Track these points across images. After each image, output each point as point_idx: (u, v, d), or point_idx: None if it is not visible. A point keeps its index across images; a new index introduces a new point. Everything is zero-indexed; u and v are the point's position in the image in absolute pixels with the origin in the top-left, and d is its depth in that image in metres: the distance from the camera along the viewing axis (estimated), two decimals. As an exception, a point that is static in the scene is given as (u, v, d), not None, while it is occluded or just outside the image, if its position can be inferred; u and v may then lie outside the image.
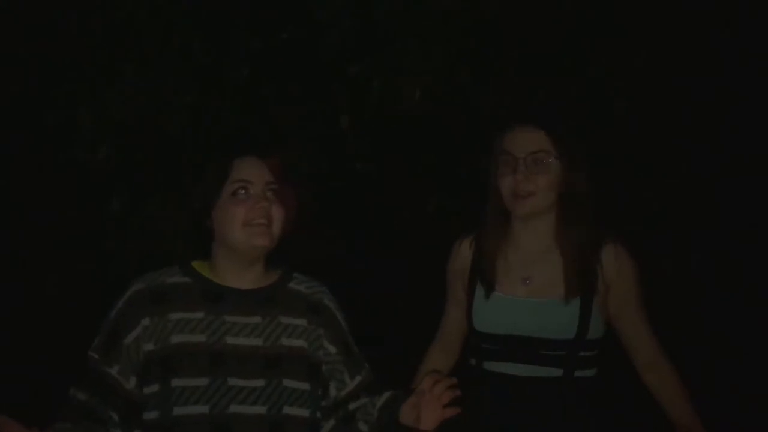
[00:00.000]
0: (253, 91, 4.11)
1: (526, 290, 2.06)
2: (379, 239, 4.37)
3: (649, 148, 4.27)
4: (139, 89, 3.91)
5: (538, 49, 4.15)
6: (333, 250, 4.25)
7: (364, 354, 1.95)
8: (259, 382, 1.73)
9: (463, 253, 2.19)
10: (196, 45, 4.00)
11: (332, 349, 1.85)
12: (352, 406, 1.87)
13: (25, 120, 3.96)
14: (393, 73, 4.06)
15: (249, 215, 1.75)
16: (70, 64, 3.94)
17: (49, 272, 4.00)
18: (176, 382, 1.69)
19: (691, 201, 4.28)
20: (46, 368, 1.76)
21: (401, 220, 4.34)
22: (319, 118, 4.20)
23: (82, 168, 3.97)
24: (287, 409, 1.74)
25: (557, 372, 2.02)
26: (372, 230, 4.39)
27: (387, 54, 4.08)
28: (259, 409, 1.71)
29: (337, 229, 4.34)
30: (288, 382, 1.75)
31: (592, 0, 4.21)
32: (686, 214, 4.30)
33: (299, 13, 4.12)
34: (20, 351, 3.79)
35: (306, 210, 1.88)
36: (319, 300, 1.89)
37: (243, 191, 1.76)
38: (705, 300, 4.26)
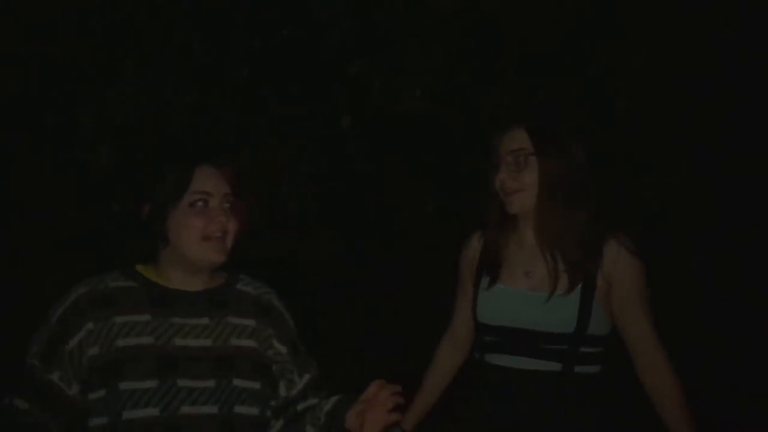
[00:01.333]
0: (253, 91, 4.10)
1: (528, 283, 2.08)
2: (379, 239, 4.37)
3: (649, 148, 4.27)
4: (139, 89, 3.91)
5: (538, 49, 4.15)
6: (333, 250, 4.25)
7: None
8: (210, 383, 1.72)
9: (473, 246, 2.21)
10: (196, 45, 4.00)
11: (282, 349, 1.86)
12: (300, 406, 1.87)
13: (25, 120, 3.96)
14: (393, 73, 4.06)
15: (208, 229, 1.75)
16: (70, 65, 3.93)
17: (49, 272, 4.00)
18: (124, 386, 1.66)
19: (691, 201, 4.28)
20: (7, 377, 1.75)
21: (401, 220, 4.34)
22: (320, 118, 4.20)
23: (83, 168, 3.97)
24: (238, 408, 1.73)
25: (556, 366, 2.03)
26: (372, 230, 4.40)
27: (387, 54, 4.08)
28: (211, 409, 1.70)
29: (337, 229, 4.34)
30: (238, 382, 1.75)
31: (592, 0, 4.21)
32: (686, 214, 4.30)
33: (299, 13, 4.12)
34: (20, 351, 3.79)
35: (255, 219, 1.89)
36: (268, 301, 1.90)
37: (201, 203, 1.76)
38: (705, 300, 4.27)
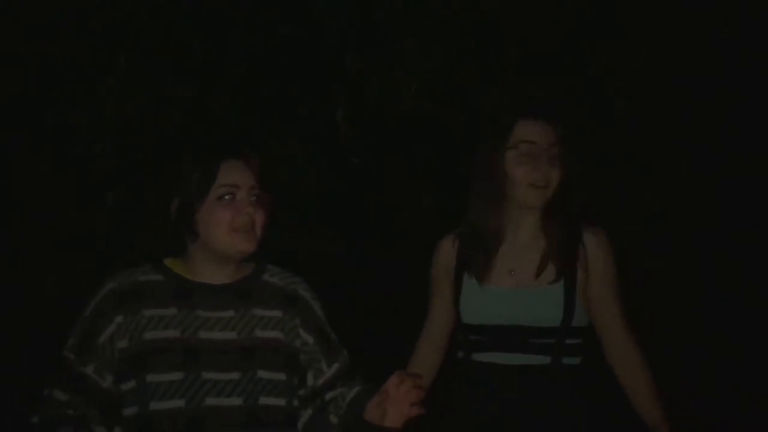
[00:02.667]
0: (253, 91, 4.10)
1: (512, 281, 2.10)
2: (379, 239, 4.36)
3: (649, 148, 4.27)
4: (137, 88, 3.91)
5: (538, 49, 4.14)
6: (333, 250, 4.25)
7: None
8: (234, 375, 1.75)
9: (448, 249, 2.21)
10: (197, 45, 4.00)
11: (309, 338, 1.88)
12: (329, 395, 1.89)
13: (25, 120, 3.96)
14: (393, 73, 4.06)
15: (236, 221, 1.77)
16: (69, 64, 3.93)
17: (49, 272, 4.00)
18: (151, 378, 1.71)
19: (691, 201, 4.28)
20: (47, 368, 1.78)
21: (401, 220, 4.34)
22: (319, 118, 4.20)
23: (82, 168, 3.97)
24: (263, 399, 1.76)
25: (545, 360, 2.05)
26: (372, 230, 4.39)
27: (387, 54, 4.08)
28: (235, 401, 1.74)
29: (337, 229, 4.33)
30: (263, 373, 1.77)
31: (592, 0, 4.21)
32: (686, 214, 4.30)
33: (299, 12, 4.12)
34: (20, 351, 3.79)
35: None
36: (294, 290, 1.91)
37: (229, 195, 1.79)
38: (705, 300, 4.26)
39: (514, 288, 2.08)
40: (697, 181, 4.28)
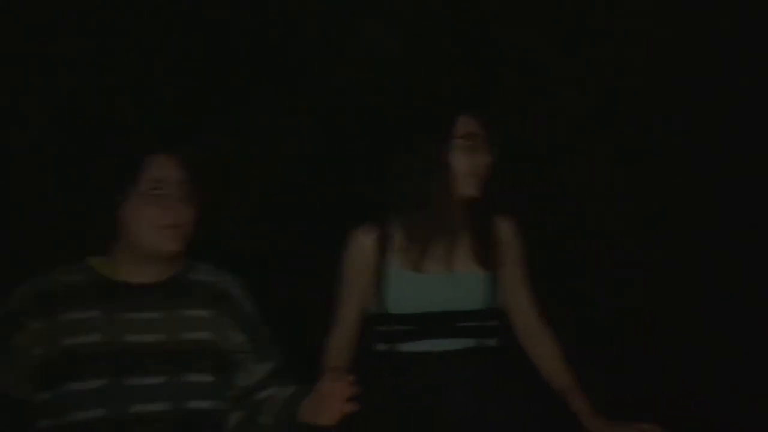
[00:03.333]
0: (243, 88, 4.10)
1: (437, 266, 2.15)
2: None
3: (649, 148, 4.27)
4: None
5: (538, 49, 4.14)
6: (328, 249, 4.25)
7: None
8: (160, 379, 1.66)
9: (368, 242, 2.22)
10: (196, 46, 4.00)
11: (240, 337, 1.82)
12: (261, 395, 1.83)
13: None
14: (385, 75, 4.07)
15: (162, 218, 1.69)
16: (69, 64, 3.93)
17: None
18: (71, 387, 1.61)
19: (691, 201, 4.28)
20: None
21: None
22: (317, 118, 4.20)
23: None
24: (193, 403, 1.69)
25: (471, 342, 2.12)
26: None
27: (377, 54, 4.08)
28: (162, 406, 1.65)
29: (337, 229, 4.33)
30: (191, 376, 1.70)
31: (592, 0, 4.21)
32: (686, 214, 4.30)
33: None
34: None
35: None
36: (225, 289, 1.84)
37: (155, 190, 1.70)
38: (705, 300, 4.26)
39: (445, 275, 2.14)
40: (697, 181, 4.27)
